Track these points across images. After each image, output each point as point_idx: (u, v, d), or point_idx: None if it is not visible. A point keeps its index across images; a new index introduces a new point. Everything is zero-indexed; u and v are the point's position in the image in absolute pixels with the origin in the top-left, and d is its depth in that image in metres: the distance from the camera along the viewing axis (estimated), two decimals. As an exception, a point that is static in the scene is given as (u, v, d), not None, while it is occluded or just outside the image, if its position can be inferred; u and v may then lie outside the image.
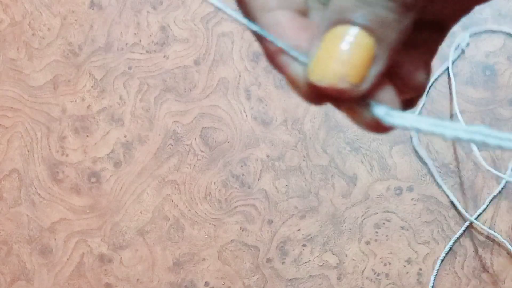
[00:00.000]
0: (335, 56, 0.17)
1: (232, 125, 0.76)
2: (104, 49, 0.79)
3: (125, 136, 0.77)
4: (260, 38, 0.20)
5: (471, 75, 0.74)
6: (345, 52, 0.17)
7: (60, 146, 0.78)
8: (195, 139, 0.76)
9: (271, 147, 0.75)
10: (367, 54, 0.17)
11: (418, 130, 0.18)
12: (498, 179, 0.71)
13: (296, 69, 0.18)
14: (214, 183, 0.75)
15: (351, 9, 0.17)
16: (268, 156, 0.75)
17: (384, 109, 0.18)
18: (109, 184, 0.76)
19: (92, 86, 0.79)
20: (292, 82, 0.19)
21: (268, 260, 0.72)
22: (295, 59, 0.19)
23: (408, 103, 0.22)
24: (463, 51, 0.74)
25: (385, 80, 0.19)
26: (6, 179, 0.78)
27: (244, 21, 0.20)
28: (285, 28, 0.19)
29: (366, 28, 0.17)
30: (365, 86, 0.18)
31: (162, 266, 0.74)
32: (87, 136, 0.78)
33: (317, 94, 0.18)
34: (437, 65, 0.75)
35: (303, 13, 0.20)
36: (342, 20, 0.17)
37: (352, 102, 0.18)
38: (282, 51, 0.19)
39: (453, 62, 0.74)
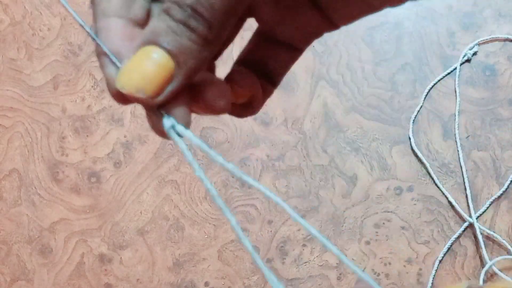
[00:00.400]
0: (138, 70, 0.20)
1: (232, 125, 0.76)
2: (104, 49, 0.79)
3: (125, 136, 0.77)
4: (93, 39, 0.23)
5: (471, 75, 0.74)
6: (147, 69, 0.20)
7: (60, 146, 0.78)
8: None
9: (271, 147, 0.75)
10: (165, 74, 0.20)
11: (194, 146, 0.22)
12: (498, 179, 0.71)
13: (110, 73, 0.22)
14: (214, 183, 0.75)
15: (161, 34, 0.20)
16: (268, 156, 0.75)
17: (171, 122, 0.23)
18: (109, 184, 0.76)
19: (92, 86, 0.79)
20: (107, 82, 0.22)
21: (268, 260, 0.72)
22: (112, 63, 0.22)
23: (245, 108, 0.26)
24: (469, 60, 0.74)
25: (182, 98, 0.22)
26: (6, 179, 0.78)
27: (79, 20, 0.23)
28: (112, 35, 0.22)
29: (169, 52, 0.20)
30: (160, 99, 0.21)
31: (162, 266, 0.74)
32: (87, 136, 0.78)
33: (121, 97, 0.21)
34: (439, 67, 0.75)
35: (142, 24, 0.22)
36: (152, 41, 0.20)
37: (147, 109, 0.22)
38: (105, 53, 0.22)
39: (455, 68, 0.74)
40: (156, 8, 0.23)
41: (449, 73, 0.74)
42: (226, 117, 0.76)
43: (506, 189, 0.71)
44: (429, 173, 0.72)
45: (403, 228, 0.71)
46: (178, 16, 0.20)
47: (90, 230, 0.75)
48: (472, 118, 0.73)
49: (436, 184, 0.72)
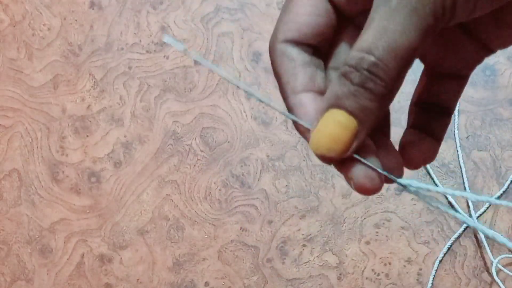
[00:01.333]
0: (327, 133, 0.23)
1: (232, 125, 0.76)
2: (104, 49, 0.79)
3: (125, 136, 0.77)
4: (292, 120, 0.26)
5: (471, 75, 0.74)
6: (334, 131, 0.22)
7: (60, 146, 0.78)
8: (195, 139, 0.76)
9: (271, 147, 0.75)
10: (350, 134, 0.22)
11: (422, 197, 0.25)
12: (498, 179, 0.71)
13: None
14: (214, 183, 0.75)
15: (342, 98, 0.22)
16: (268, 156, 0.75)
17: (407, 182, 0.25)
18: (109, 184, 0.76)
19: (92, 86, 0.79)
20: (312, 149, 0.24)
21: (268, 260, 0.72)
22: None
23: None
24: None
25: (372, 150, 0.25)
26: (6, 179, 0.78)
27: (277, 108, 0.25)
28: (307, 109, 0.25)
29: (351, 113, 0.22)
30: (348, 155, 0.23)
31: (162, 266, 0.74)
32: (87, 136, 0.78)
33: (321, 159, 0.24)
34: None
35: (323, 92, 0.25)
36: (335, 105, 0.22)
37: (340, 165, 0.24)
38: (302, 126, 0.25)
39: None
40: (332, 74, 0.26)
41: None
42: (226, 117, 0.76)
43: (506, 189, 0.71)
44: (429, 173, 0.72)
45: (403, 228, 0.71)
46: (356, 80, 0.22)
47: (90, 230, 0.75)
48: (472, 118, 0.73)
49: (436, 184, 0.72)
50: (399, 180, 0.24)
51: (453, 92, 0.28)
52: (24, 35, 0.81)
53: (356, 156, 0.24)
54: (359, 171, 0.24)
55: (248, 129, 0.75)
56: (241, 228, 0.73)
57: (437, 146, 0.28)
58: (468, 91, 0.73)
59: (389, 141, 0.27)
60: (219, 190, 0.74)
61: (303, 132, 0.25)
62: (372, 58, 0.21)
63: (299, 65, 0.25)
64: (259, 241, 0.73)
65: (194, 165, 0.75)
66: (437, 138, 0.28)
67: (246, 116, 0.76)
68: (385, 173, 0.24)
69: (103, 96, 0.78)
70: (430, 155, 0.27)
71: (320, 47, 0.26)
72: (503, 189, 0.71)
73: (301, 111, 0.25)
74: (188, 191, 0.75)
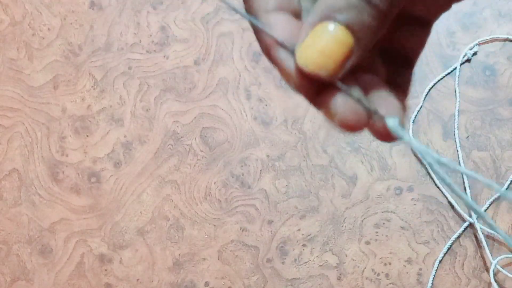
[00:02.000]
0: (318, 46, 0.20)
1: (232, 125, 0.76)
2: (104, 49, 0.79)
3: (125, 136, 0.77)
4: (257, 33, 0.22)
5: (471, 75, 0.74)
6: (327, 45, 0.20)
7: (60, 146, 0.78)
8: (195, 139, 0.76)
9: (271, 147, 0.75)
10: (345, 50, 0.20)
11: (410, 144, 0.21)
12: (498, 179, 0.71)
13: (287, 61, 0.21)
14: (214, 183, 0.75)
15: (340, 9, 0.20)
16: (268, 156, 0.75)
17: (394, 121, 0.21)
18: (109, 184, 0.76)
19: (92, 86, 0.79)
20: (284, 73, 0.21)
21: (268, 260, 0.72)
22: (286, 52, 0.21)
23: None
24: (469, 60, 0.74)
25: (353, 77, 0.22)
26: (6, 179, 0.78)
27: (245, 15, 0.22)
28: (279, 28, 0.21)
29: (349, 27, 0.20)
30: (339, 75, 0.20)
31: (162, 266, 0.74)
32: (87, 136, 0.78)
33: (304, 81, 0.21)
34: (439, 68, 0.75)
35: (297, 14, 0.22)
36: (329, 17, 0.20)
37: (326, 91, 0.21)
38: (276, 45, 0.21)
39: (455, 68, 0.74)
40: None
41: (449, 73, 0.74)
42: (226, 117, 0.76)
43: (506, 189, 0.71)
44: (429, 173, 0.72)
45: (403, 228, 0.71)
46: None
47: (90, 230, 0.75)
48: (472, 118, 0.73)
49: (436, 184, 0.72)
50: (388, 120, 0.21)
51: (417, 40, 0.26)
52: (24, 35, 0.81)
53: (341, 85, 0.21)
54: (343, 102, 0.21)
55: (248, 129, 0.75)
56: (241, 228, 0.73)
57: (404, 99, 0.25)
58: (468, 91, 0.73)
59: (382, 83, 0.23)
60: (219, 190, 0.74)
61: (278, 54, 0.21)
62: None
63: None
64: (259, 241, 0.73)
65: (194, 165, 0.75)
66: (403, 90, 0.25)
67: (246, 116, 0.76)
68: (377, 110, 0.21)
69: (103, 96, 0.78)
70: (399, 109, 0.23)
71: None
72: (503, 189, 0.70)
73: (274, 31, 0.21)
74: (188, 191, 0.75)
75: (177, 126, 0.76)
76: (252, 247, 0.73)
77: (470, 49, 0.74)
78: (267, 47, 0.22)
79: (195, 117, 0.76)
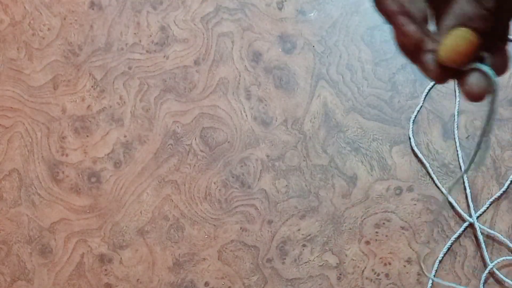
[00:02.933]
0: (456, 47, 0.27)
1: (232, 125, 0.76)
2: (104, 49, 0.79)
3: (125, 136, 0.77)
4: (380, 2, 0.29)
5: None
6: (462, 47, 0.27)
7: (60, 146, 0.78)
8: (195, 139, 0.76)
9: (271, 147, 0.75)
10: (474, 48, 0.27)
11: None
12: (498, 179, 0.71)
13: (429, 58, 0.28)
14: (214, 183, 0.75)
15: (473, 19, 0.27)
16: (268, 156, 0.75)
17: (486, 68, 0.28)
18: (109, 184, 0.76)
19: (92, 86, 0.79)
20: (427, 67, 0.28)
21: (268, 260, 0.72)
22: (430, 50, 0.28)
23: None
24: None
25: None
26: (6, 179, 0.78)
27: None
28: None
29: (478, 31, 0.26)
30: (467, 67, 0.28)
31: (162, 266, 0.74)
32: (87, 136, 0.78)
33: (442, 71, 0.28)
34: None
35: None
36: (464, 24, 0.27)
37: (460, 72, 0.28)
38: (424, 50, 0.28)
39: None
40: None
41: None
42: (226, 117, 0.76)
43: (506, 189, 0.71)
44: (429, 173, 0.72)
45: (403, 228, 0.71)
46: (488, 5, 0.26)
47: (90, 230, 0.75)
48: (472, 118, 0.73)
49: (436, 184, 0.72)
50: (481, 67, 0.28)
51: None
52: (24, 35, 0.81)
53: (475, 65, 0.28)
54: (471, 80, 0.28)
55: (248, 129, 0.75)
56: (241, 228, 0.73)
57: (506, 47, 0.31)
58: (468, 91, 0.73)
59: (502, 45, 0.30)
60: (219, 190, 0.74)
61: (423, 57, 0.28)
62: None
63: None
64: (259, 241, 0.73)
65: (194, 165, 0.75)
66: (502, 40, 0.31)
67: (246, 116, 0.76)
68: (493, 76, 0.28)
69: (103, 96, 0.78)
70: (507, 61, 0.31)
71: None
72: (503, 189, 0.70)
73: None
74: (188, 191, 0.75)
75: (177, 126, 0.76)
76: (252, 247, 0.73)
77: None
78: (389, 13, 0.28)
79: (195, 117, 0.76)
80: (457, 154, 0.72)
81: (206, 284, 0.73)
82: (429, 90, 0.74)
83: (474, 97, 0.28)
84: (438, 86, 0.74)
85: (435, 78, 0.29)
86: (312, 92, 0.76)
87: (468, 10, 0.27)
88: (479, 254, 0.70)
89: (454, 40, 0.27)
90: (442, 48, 0.27)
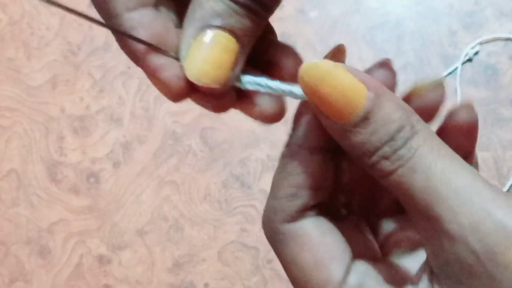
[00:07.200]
0: (208, 57, 0.19)
1: (232, 125, 0.75)
2: (103, 49, 0.79)
3: (124, 136, 0.77)
4: (120, 39, 0.20)
5: (473, 75, 0.73)
6: (216, 55, 0.19)
7: (59, 146, 0.77)
8: (195, 139, 0.76)
9: (271, 147, 0.74)
10: (233, 57, 0.19)
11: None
12: (500, 179, 0.71)
13: (172, 70, 0.19)
14: (214, 183, 0.74)
15: (222, 16, 0.18)
16: (268, 156, 0.74)
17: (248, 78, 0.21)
18: (108, 185, 0.76)
19: (91, 86, 0.78)
20: (169, 82, 0.20)
21: (269, 261, 0.72)
22: (162, 57, 0.19)
23: None
24: (470, 60, 0.73)
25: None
26: (4, 179, 0.77)
27: (102, 23, 0.20)
28: (149, 29, 0.19)
29: (234, 34, 0.19)
30: (231, 83, 0.20)
31: (162, 267, 0.73)
32: (86, 136, 0.77)
33: (188, 90, 0.20)
34: (441, 67, 0.74)
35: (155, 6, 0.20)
36: (210, 25, 0.19)
37: (220, 95, 0.21)
38: (148, 51, 0.19)
39: (456, 68, 0.74)
40: None
41: (450, 73, 0.74)
42: (226, 117, 0.76)
43: (508, 189, 0.70)
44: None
45: (404, 228, 0.71)
46: None
47: (89, 230, 0.75)
48: (473, 118, 0.73)
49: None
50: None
51: None
52: (22, 35, 0.81)
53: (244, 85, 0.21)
54: (261, 99, 0.21)
55: (248, 129, 0.75)
56: (241, 228, 0.73)
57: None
58: (470, 91, 0.73)
59: (273, 37, 0.23)
60: (219, 190, 0.74)
61: (154, 63, 0.19)
62: None
63: None
64: (259, 242, 0.72)
65: (194, 165, 0.75)
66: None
67: (246, 116, 0.75)
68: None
69: (102, 96, 0.78)
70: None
71: None
72: (505, 189, 0.70)
73: (141, 33, 0.19)
74: (187, 191, 0.75)
75: (177, 126, 0.76)
76: (252, 248, 0.72)
77: (472, 49, 0.73)
78: (136, 54, 0.20)
79: (195, 117, 0.76)
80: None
81: (206, 285, 0.72)
82: (430, 90, 0.74)
83: (271, 118, 0.22)
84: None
85: (178, 93, 0.20)
86: (313, 91, 0.75)
87: (212, 3, 0.18)
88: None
89: (202, 48, 0.19)
90: (188, 61, 0.19)
